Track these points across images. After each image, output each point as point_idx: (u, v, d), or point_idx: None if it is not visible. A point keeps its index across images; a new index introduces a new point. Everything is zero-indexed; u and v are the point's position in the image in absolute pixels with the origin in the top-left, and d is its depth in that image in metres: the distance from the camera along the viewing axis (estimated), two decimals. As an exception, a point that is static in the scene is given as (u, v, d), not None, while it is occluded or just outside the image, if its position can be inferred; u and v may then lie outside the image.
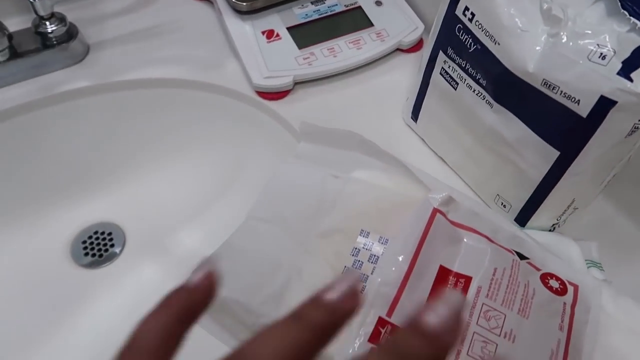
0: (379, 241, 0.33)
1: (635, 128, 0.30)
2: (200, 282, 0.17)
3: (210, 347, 0.25)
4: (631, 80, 0.28)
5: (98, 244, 0.51)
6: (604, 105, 0.29)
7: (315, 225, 0.34)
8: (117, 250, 0.51)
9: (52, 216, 0.51)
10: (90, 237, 0.52)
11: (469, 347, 0.29)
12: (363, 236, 0.34)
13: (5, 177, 0.48)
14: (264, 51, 0.46)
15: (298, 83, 0.47)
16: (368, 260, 0.33)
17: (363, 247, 0.33)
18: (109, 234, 0.52)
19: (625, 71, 0.28)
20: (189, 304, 0.17)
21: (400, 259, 0.31)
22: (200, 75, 0.48)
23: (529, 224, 0.37)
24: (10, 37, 0.44)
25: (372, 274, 0.32)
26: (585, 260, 0.35)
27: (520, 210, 0.37)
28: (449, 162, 0.42)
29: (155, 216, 0.52)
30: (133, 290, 0.49)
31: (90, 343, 0.45)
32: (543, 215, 0.37)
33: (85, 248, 0.51)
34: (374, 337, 0.29)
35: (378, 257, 0.33)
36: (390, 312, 0.30)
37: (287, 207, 0.35)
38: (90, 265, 0.50)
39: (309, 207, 0.35)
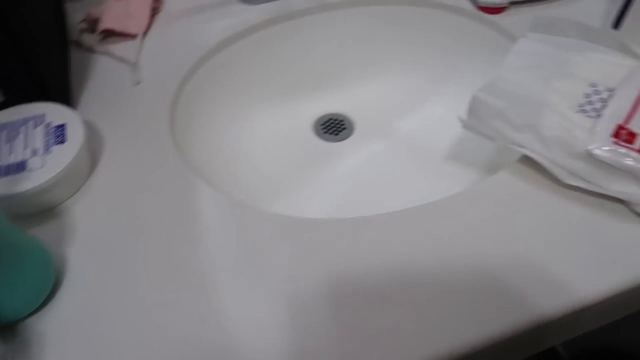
0: (606, 89, 0.46)
1: None
2: None
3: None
4: None
5: (334, 126, 0.67)
6: None
7: (554, 76, 0.47)
8: (349, 132, 0.66)
9: (298, 104, 0.68)
10: (327, 122, 0.68)
11: None
12: (591, 85, 0.46)
13: (272, 73, 0.65)
14: (487, -23, 0.60)
15: (512, 2, 0.60)
16: (599, 101, 0.45)
17: (593, 93, 0.46)
18: (341, 120, 0.68)
19: None
20: None
21: (628, 94, 0.43)
22: (432, -3, 0.63)
23: None
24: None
25: (602, 109, 0.44)
26: None
27: None
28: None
29: (378, 109, 0.67)
30: (364, 156, 0.63)
31: (332, 194, 0.58)
32: None
33: (324, 128, 0.67)
34: (616, 135, 0.41)
35: (606, 99, 0.45)
36: (626, 123, 0.42)
37: (532, 64, 0.48)
38: (330, 140, 0.66)
39: (548, 65, 0.48)
